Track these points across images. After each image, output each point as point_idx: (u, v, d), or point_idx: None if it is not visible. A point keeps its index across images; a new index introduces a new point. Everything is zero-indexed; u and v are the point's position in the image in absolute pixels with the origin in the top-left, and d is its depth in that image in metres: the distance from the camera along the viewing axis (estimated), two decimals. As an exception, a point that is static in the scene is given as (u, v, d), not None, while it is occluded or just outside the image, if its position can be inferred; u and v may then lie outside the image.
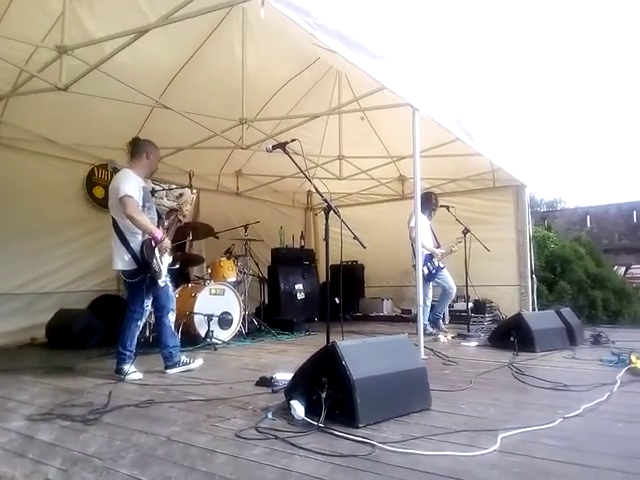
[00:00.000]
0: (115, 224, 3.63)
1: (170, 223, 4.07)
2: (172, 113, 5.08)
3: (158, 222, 3.84)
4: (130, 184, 3.58)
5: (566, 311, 5.11)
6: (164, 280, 3.69)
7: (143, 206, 3.65)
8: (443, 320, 6.05)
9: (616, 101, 58.60)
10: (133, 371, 3.57)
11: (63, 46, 3.55)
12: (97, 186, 6.24)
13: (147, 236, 3.61)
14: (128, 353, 3.63)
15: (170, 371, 3.71)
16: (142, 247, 3.57)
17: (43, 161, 5.66)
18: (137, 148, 3.85)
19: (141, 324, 3.75)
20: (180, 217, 4.12)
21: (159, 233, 3.62)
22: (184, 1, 3.37)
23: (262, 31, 4.92)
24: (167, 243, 3.68)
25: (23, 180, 5.43)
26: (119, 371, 3.56)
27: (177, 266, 5.49)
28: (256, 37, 5.08)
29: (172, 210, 4.94)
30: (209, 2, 3.39)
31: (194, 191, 7.28)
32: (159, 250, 3.62)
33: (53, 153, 5.74)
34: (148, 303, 3.72)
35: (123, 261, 3.61)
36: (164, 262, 3.70)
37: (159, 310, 3.79)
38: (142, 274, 3.58)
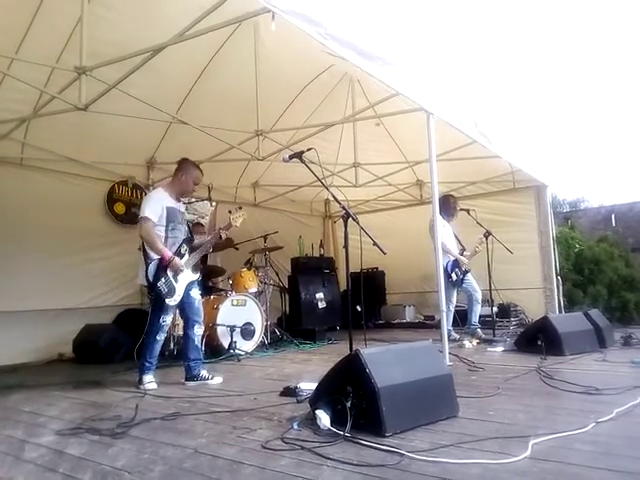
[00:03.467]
0: (142, 241, 3.81)
1: (204, 241, 4.08)
2: (189, 128, 5.16)
3: (183, 241, 3.87)
4: (149, 205, 3.73)
5: (594, 313, 4.99)
6: (175, 299, 3.73)
7: (166, 226, 3.76)
8: (469, 326, 5.95)
9: (638, 95, 57.47)
10: (149, 381, 3.68)
11: (82, 67, 3.64)
12: (118, 202, 6.36)
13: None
14: (147, 364, 3.74)
15: (189, 383, 3.80)
16: (147, 266, 3.70)
17: (65, 180, 5.82)
18: (177, 167, 4.01)
19: (160, 338, 3.80)
20: (222, 235, 4.08)
21: (167, 255, 3.67)
22: (198, 17, 3.44)
23: (273, 42, 4.98)
24: (177, 264, 3.70)
25: (46, 199, 5.58)
26: (139, 381, 3.70)
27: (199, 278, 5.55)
28: (268, 48, 5.13)
29: (197, 224, 4.99)
30: (221, 17, 3.44)
31: (213, 203, 7.36)
32: (171, 270, 3.69)
33: (74, 172, 5.89)
34: (165, 319, 3.79)
35: (142, 277, 3.80)
36: (180, 280, 3.75)
37: (185, 322, 3.92)
38: (152, 291, 3.72)
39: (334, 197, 3.89)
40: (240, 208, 4.33)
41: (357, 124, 6.51)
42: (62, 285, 5.63)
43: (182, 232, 3.91)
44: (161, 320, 3.76)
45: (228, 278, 6.04)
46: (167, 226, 3.77)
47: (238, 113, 5.50)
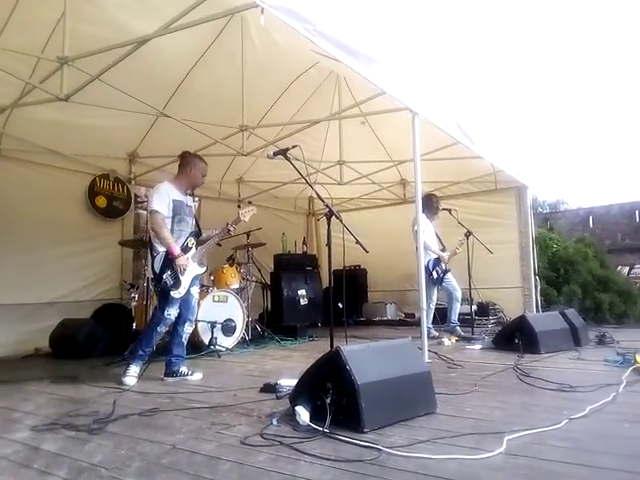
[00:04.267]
0: (149, 234, 3.84)
1: (214, 234, 4.06)
2: (172, 122, 5.11)
3: (190, 234, 3.88)
4: (157, 198, 3.74)
5: (570, 312, 5.10)
6: (180, 292, 3.74)
7: (173, 218, 3.78)
8: (448, 323, 6.03)
9: (617, 101, 58.69)
10: (133, 375, 3.63)
11: (64, 57, 3.58)
12: (99, 196, 6.27)
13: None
14: (141, 353, 3.73)
15: (168, 379, 3.78)
16: (154, 259, 3.71)
17: (45, 172, 5.70)
18: (182, 161, 3.99)
19: (160, 330, 3.79)
20: (231, 229, 4.06)
21: (175, 250, 3.68)
22: (184, 10, 3.40)
23: (262, 39, 4.96)
24: (182, 261, 3.69)
25: (25, 191, 5.47)
26: (126, 367, 3.69)
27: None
28: (256, 44, 5.11)
29: None
30: (209, 10, 3.41)
31: (196, 199, 7.30)
32: (176, 265, 3.68)
33: (55, 164, 5.78)
34: (170, 312, 3.75)
35: (150, 268, 3.80)
36: (185, 275, 3.75)
37: (177, 317, 3.89)
38: (158, 283, 3.72)
39: (317, 195, 3.89)
40: (250, 203, 4.30)
41: (343, 122, 6.52)
42: (39, 279, 5.53)
43: (189, 225, 3.92)
44: (166, 313, 3.72)
45: (210, 274, 6.00)
46: (173, 218, 3.78)
47: (224, 108, 5.46)
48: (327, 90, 6.22)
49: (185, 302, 3.86)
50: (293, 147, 3.68)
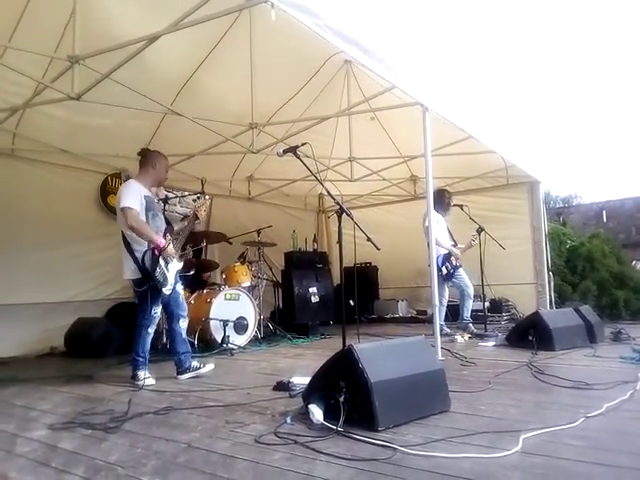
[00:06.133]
0: (123, 235, 3.70)
1: (181, 228, 4.09)
2: (184, 120, 5.12)
3: (166, 230, 3.87)
4: (129, 195, 3.67)
5: (585, 308, 5.04)
6: (170, 288, 3.72)
7: (146, 215, 3.73)
8: (461, 320, 6.00)
9: (630, 94, 57.77)
10: (147, 377, 3.64)
11: (75, 56, 3.60)
12: (111, 195, 6.30)
13: (152, 245, 3.66)
14: (141, 359, 3.70)
15: (181, 376, 3.78)
16: (143, 257, 3.62)
17: (57, 172, 5.77)
18: (145, 159, 3.94)
19: (151, 330, 3.78)
20: (195, 221, 4.09)
21: (161, 241, 3.65)
22: (193, 7, 3.40)
23: (270, 36, 4.94)
24: (171, 250, 3.70)
25: (38, 191, 5.54)
26: (134, 377, 3.65)
27: (192, 272, 5.51)
28: (265, 42, 5.09)
29: (186, 217, 5.00)
30: (219, 7, 3.41)
31: (207, 197, 7.32)
32: (164, 258, 3.67)
33: (67, 163, 5.84)
34: (156, 310, 3.78)
35: (130, 271, 3.69)
36: (171, 270, 3.74)
37: (169, 317, 3.91)
38: (147, 283, 3.64)
39: (328, 192, 3.88)
40: (199, 198, 4.26)
41: (352, 118, 6.49)
42: (53, 278, 5.58)
43: (162, 220, 3.90)
44: (152, 312, 3.73)
45: (221, 272, 6.03)
46: (147, 215, 3.74)
47: (233, 106, 5.46)
48: (336, 86, 6.19)
49: (174, 300, 3.84)
50: (302, 144, 3.67)
